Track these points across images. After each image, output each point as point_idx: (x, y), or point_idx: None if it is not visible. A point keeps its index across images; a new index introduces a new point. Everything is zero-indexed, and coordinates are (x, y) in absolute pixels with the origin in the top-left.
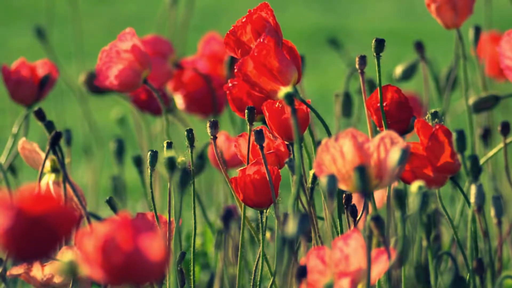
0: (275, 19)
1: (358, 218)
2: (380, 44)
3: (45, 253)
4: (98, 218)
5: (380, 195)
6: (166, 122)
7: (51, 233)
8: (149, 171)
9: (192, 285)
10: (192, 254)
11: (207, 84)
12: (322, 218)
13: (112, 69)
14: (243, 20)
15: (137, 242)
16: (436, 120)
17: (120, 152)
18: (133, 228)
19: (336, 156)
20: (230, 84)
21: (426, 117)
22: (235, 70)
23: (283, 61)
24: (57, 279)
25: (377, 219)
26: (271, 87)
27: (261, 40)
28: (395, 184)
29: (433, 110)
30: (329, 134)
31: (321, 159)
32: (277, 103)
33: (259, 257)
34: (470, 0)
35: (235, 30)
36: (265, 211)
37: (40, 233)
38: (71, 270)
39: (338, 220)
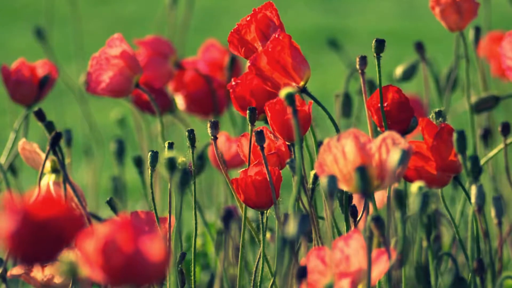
0: (279, 18)
1: (358, 218)
2: (380, 45)
3: (51, 257)
4: (98, 218)
5: (380, 196)
6: (161, 125)
7: (57, 237)
8: (149, 171)
9: (192, 286)
10: (192, 255)
11: (208, 84)
12: (322, 219)
13: (102, 76)
14: (248, 19)
15: (138, 243)
16: (440, 119)
17: (120, 152)
18: (133, 229)
19: (338, 156)
20: (233, 83)
21: (430, 116)
22: (249, 64)
23: (297, 57)
24: (57, 280)
25: (377, 220)
26: (284, 83)
27: (276, 35)
28: (396, 185)
29: (437, 110)
30: (337, 130)
31: (323, 159)
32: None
33: (259, 257)
34: (474, 3)
35: (239, 28)
36: (265, 211)
37: (46, 237)
38: (71, 271)
39: (345, 222)
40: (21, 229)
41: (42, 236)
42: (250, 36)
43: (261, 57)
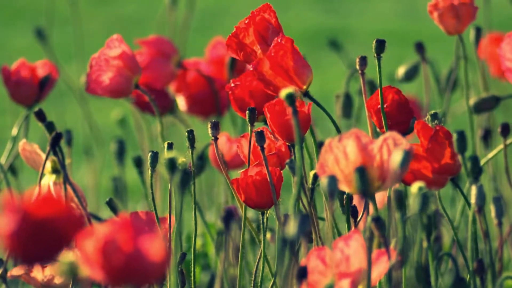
0: (278, 20)
1: (359, 219)
2: (381, 45)
3: (50, 257)
4: (98, 219)
5: (380, 196)
6: (161, 125)
7: (56, 237)
8: (149, 172)
9: (192, 286)
10: (192, 255)
11: (210, 85)
12: (322, 219)
13: (102, 77)
14: (246, 22)
15: (138, 243)
16: (436, 121)
17: (120, 153)
18: (133, 229)
19: (339, 156)
20: (232, 84)
21: (426, 119)
22: (251, 69)
23: (298, 61)
24: (57, 280)
25: (377, 220)
26: (286, 87)
27: (278, 40)
28: (396, 185)
29: (432, 112)
30: (338, 131)
31: (324, 159)
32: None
33: (259, 258)
34: (472, 7)
35: (238, 32)
36: (266, 211)
37: (45, 236)
38: (72, 271)
39: (346, 222)
40: (20, 229)
41: (41, 236)
42: (248, 39)
43: (264, 62)
